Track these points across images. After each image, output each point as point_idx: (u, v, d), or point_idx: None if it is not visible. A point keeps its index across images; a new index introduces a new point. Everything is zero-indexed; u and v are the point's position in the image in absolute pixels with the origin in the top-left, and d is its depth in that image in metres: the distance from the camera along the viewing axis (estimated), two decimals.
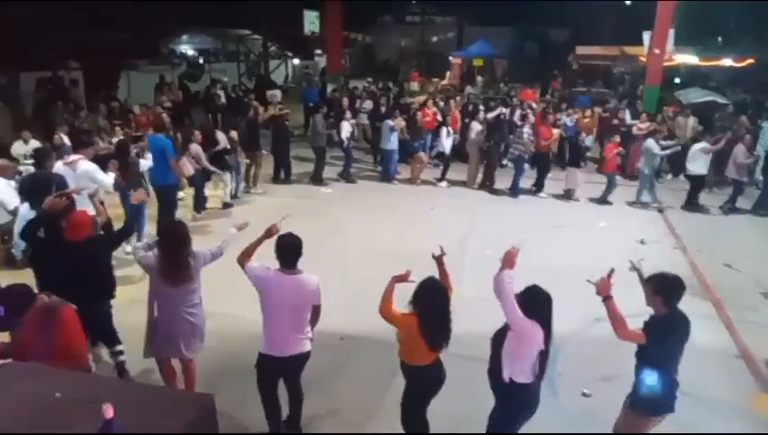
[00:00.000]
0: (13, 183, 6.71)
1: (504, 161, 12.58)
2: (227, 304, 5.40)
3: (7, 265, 6.53)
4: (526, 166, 11.52)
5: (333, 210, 10.02)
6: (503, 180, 11.55)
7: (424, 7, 34.56)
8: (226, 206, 9.86)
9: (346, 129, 11.69)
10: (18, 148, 9.35)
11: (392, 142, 11.57)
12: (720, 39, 23.52)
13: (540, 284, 3.78)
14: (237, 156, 10.30)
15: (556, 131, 11.84)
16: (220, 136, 9.83)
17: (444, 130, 11.72)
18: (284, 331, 3.85)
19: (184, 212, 9.02)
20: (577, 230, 9.24)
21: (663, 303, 3.54)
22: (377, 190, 11.60)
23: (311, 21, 21.46)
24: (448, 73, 26.68)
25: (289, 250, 3.84)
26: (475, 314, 6.07)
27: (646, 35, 16.38)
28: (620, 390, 4.96)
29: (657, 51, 15.01)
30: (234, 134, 10.18)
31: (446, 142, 11.72)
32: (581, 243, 8.61)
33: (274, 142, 11.57)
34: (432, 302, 3.66)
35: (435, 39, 34.63)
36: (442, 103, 14.12)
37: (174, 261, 3.98)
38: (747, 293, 7.11)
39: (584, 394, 4.98)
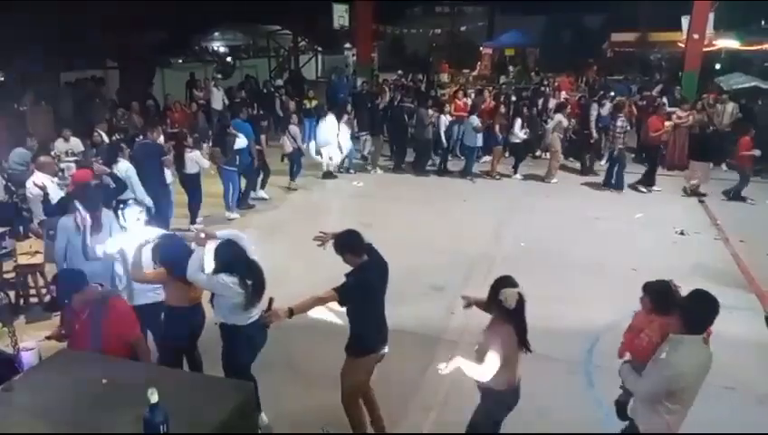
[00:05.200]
0: (56, 179, 6.92)
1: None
2: None
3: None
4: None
5: (368, 202, 10.12)
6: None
7: None
8: (326, 176, 11.45)
9: (443, 122, 11.75)
10: (60, 145, 9.63)
11: (476, 139, 11.48)
12: (763, 23, 22.60)
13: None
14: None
15: (668, 123, 11.17)
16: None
17: (518, 122, 11.48)
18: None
19: (281, 181, 10.76)
20: (615, 222, 9.06)
21: (354, 256, 3.75)
22: (420, 183, 11.61)
23: (340, 14, 21.47)
24: (479, 64, 26.37)
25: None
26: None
27: (684, 20, 15.89)
28: None
29: (696, 36, 14.55)
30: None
31: (520, 134, 11.47)
32: (620, 235, 8.45)
33: (391, 129, 12.30)
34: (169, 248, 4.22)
35: (465, 29, 34.23)
36: (473, 94, 13.97)
37: (94, 214, 4.84)
38: None
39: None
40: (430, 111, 11.80)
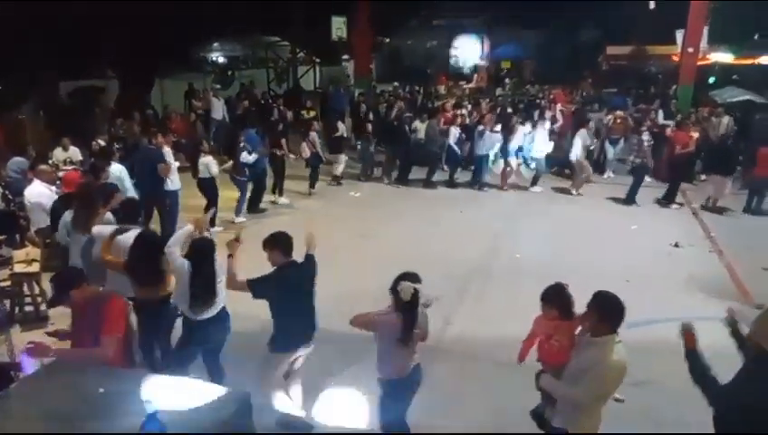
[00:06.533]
0: (54, 188, 6.96)
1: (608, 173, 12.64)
2: None
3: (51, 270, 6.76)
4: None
5: (366, 213, 10.16)
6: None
7: (451, 10, 34.43)
8: (336, 180, 11.85)
9: (453, 134, 11.80)
10: (58, 154, 9.67)
11: (485, 148, 11.47)
12: (756, 37, 22.89)
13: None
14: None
15: (696, 135, 11.08)
16: (340, 125, 12.18)
17: (541, 135, 11.49)
18: None
19: (303, 187, 11.24)
20: (610, 234, 9.11)
21: (282, 255, 4.01)
22: (417, 196, 11.64)
23: (338, 27, 21.68)
24: (476, 76, 26.59)
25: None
26: (505, 318, 6.07)
27: (679, 34, 16.09)
28: (653, 395, 4.90)
29: (690, 50, 14.71)
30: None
31: (544, 147, 11.45)
32: (614, 247, 8.48)
33: (393, 143, 12.24)
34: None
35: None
36: (470, 106, 14.08)
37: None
38: None
39: (616, 399, 4.90)
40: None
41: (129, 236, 4.59)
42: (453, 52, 28.48)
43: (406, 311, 3.56)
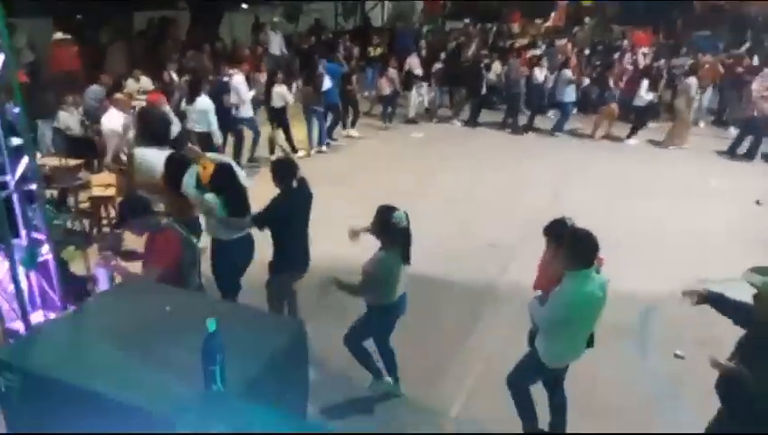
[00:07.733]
0: (129, 116, 7.23)
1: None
2: None
3: None
4: None
5: (432, 154, 10.15)
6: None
7: None
8: (408, 121, 11.96)
9: (543, 75, 11.39)
10: (131, 84, 9.99)
11: (569, 94, 10.99)
12: None
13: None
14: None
15: None
16: (410, 61, 11.97)
17: (644, 83, 10.67)
18: None
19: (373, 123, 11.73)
20: (687, 189, 8.61)
21: (278, 183, 4.24)
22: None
23: None
24: (553, 15, 25.01)
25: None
26: None
27: None
28: (714, 352, 4.71)
29: None
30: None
31: (646, 96, 10.70)
32: (692, 204, 8.03)
33: (466, 84, 11.99)
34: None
35: None
36: (544, 46, 13.36)
37: None
38: None
39: (677, 355, 4.78)
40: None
41: (153, 155, 4.73)
42: None
43: (402, 237, 3.78)
